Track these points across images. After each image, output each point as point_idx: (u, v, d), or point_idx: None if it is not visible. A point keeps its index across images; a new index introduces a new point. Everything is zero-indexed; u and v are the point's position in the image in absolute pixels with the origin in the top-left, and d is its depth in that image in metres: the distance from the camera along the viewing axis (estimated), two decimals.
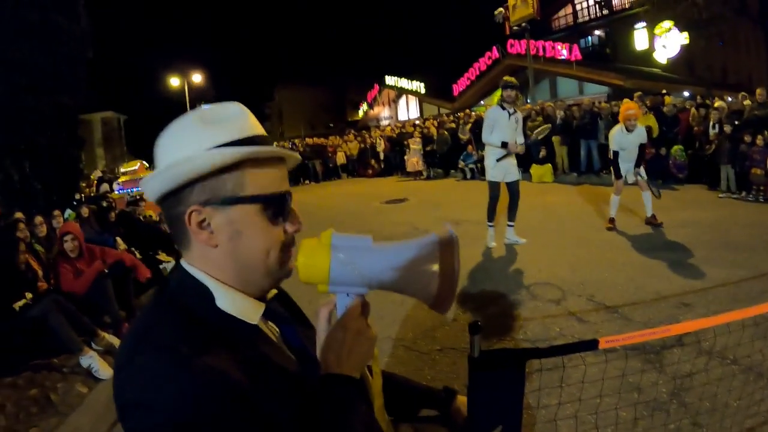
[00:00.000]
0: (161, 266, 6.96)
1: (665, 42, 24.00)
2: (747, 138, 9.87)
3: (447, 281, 0.94)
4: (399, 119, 41.29)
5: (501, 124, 6.87)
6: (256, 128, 0.98)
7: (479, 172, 15.46)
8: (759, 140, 9.62)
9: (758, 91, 10.47)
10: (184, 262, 0.98)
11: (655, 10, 23.67)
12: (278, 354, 0.99)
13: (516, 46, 28.38)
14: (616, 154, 7.71)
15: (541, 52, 27.10)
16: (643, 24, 25.50)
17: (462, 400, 1.37)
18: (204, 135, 0.92)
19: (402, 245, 0.99)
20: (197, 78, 32.00)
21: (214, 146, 0.91)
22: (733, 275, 5.27)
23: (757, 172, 9.47)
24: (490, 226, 7.27)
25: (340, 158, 23.56)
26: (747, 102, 11.34)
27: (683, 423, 2.94)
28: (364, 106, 46.72)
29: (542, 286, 5.56)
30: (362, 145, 23.60)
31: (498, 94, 7.36)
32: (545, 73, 28.65)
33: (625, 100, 12.21)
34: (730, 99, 13.61)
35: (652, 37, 24.74)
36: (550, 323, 4.53)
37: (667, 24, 23.49)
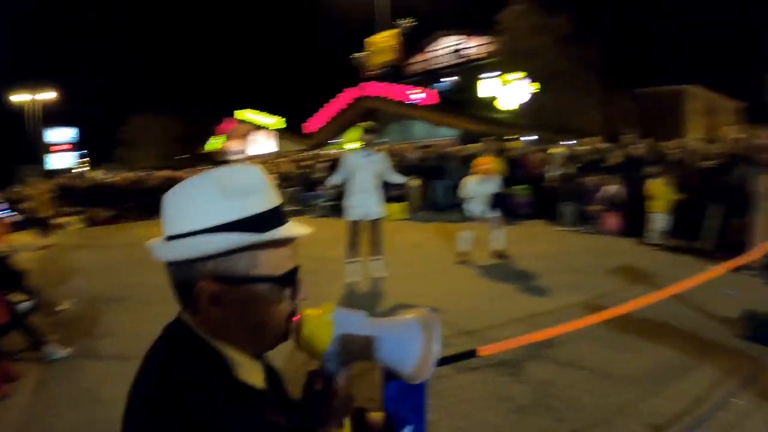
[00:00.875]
0: (18, 307, 5.69)
1: (514, 90, 25.85)
2: (585, 179, 10.92)
3: (426, 360, 1.01)
4: (251, 154, 40.49)
5: (357, 168, 7.00)
6: (275, 199, 1.00)
7: (334, 210, 15.22)
8: (592, 180, 10.74)
9: (591, 139, 11.69)
10: (187, 324, 0.98)
11: (507, 61, 25.54)
12: (276, 411, 1.01)
13: (372, 88, 29.04)
14: (468, 199, 8.08)
15: (396, 96, 27.93)
16: (493, 74, 27.27)
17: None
18: (226, 208, 0.93)
19: (392, 325, 1.06)
20: (49, 95, 29.84)
21: (235, 219, 0.92)
22: (577, 296, 5.95)
23: (593, 208, 10.61)
24: (350, 262, 7.28)
25: None
26: (585, 147, 12.50)
27: (548, 421, 3.34)
28: (216, 139, 45.24)
29: None
30: None
31: (353, 132, 7.32)
32: (400, 115, 29.52)
33: (480, 157, 12.74)
34: (570, 142, 14.81)
35: (502, 85, 26.56)
36: None
37: (517, 75, 25.35)
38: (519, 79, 25.65)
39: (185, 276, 0.94)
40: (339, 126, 31.75)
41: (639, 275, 6.85)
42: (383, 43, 30.15)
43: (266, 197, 0.97)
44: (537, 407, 3.49)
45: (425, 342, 1.02)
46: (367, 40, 31.15)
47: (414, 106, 28.00)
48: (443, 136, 26.81)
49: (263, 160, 27.60)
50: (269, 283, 0.96)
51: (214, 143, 45.28)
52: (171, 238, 0.94)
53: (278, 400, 1.10)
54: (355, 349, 1.02)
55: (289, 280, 0.99)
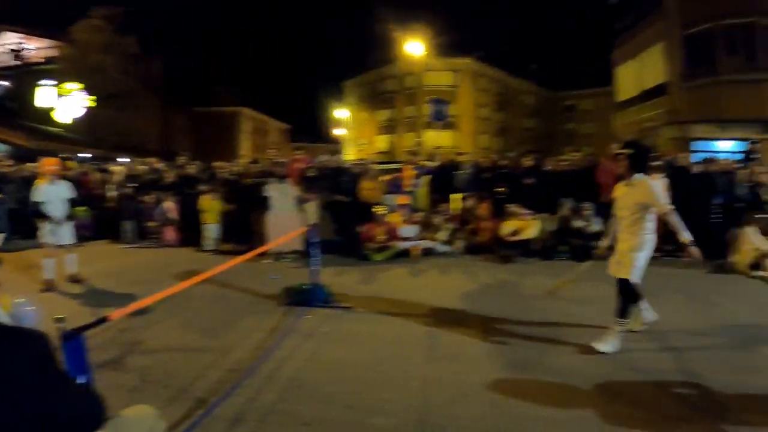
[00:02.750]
0: None
1: (70, 103, 24.31)
2: (144, 197, 11.62)
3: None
4: None
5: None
6: None
7: None
8: (151, 198, 11.52)
9: (149, 159, 12.44)
10: None
11: (69, 71, 23.84)
12: None
13: None
14: (43, 214, 7.31)
15: None
16: (52, 82, 24.99)
17: None
18: None
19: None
20: None
21: None
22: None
23: (152, 224, 11.41)
24: None
25: None
26: (143, 166, 13.07)
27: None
28: None
29: None
30: None
31: None
32: None
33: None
34: (126, 160, 15.18)
35: (59, 95, 24.63)
36: None
37: (74, 86, 23.94)
38: (77, 90, 24.35)
39: None
40: None
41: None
42: None
43: None
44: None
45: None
46: None
47: None
48: None
49: None
50: None
51: None
52: None
53: None
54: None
55: None
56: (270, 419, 3.32)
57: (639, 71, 22.91)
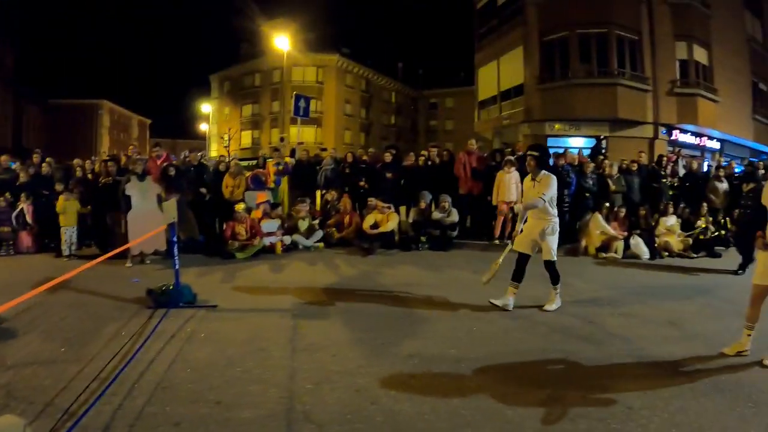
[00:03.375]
0: None
1: None
2: None
3: None
4: None
5: None
6: None
7: None
8: (1, 201, 10.33)
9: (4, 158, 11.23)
10: None
11: None
12: None
13: None
14: None
15: None
16: None
17: None
18: None
19: None
20: None
21: None
22: None
23: (5, 230, 10.24)
24: None
25: None
26: None
27: None
28: None
29: None
30: None
31: None
32: None
33: None
34: None
35: None
36: None
37: None
38: None
39: None
40: None
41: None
42: None
43: None
44: None
45: None
46: None
47: None
48: None
49: None
50: None
51: None
52: None
53: None
54: None
55: None
56: (140, 424, 3.29)
57: (499, 73, 24.48)
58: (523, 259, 5.93)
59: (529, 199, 5.85)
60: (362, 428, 3.23)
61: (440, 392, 3.75)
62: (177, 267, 6.35)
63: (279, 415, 3.41)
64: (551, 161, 6.34)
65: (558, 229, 5.89)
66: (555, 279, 5.95)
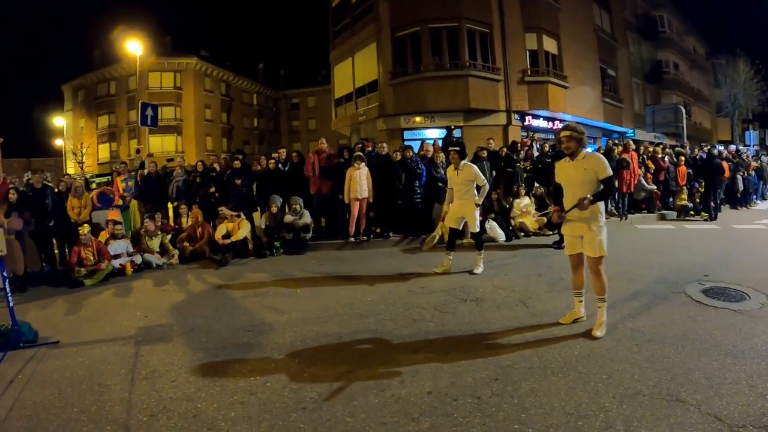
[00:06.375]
0: None
1: None
2: None
3: None
4: None
5: None
6: None
7: None
8: None
9: None
10: None
11: None
12: None
13: None
14: None
15: None
16: None
17: None
18: None
19: None
20: None
21: None
22: None
23: None
24: None
25: None
26: None
27: None
28: None
29: None
30: None
31: None
32: None
33: None
34: None
35: None
36: None
37: None
38: None
39: None
40: None
41: None
42: None
43: None
44: None
45: None
46: None
47: None
48: None
49: None
50: None
51: None
52: None
53: None
54: None
55: None
56: None
57: (354, 70, 24.61)
58: (453, 233, 7.67)
59: (455, 183, 7.53)
60: None
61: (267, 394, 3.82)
62: (11, 305, 5.68)
63: None
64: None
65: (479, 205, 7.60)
66: (480, 246, 7.64)
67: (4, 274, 5.91)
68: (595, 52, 27.29)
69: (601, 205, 4.66)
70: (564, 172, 4.82)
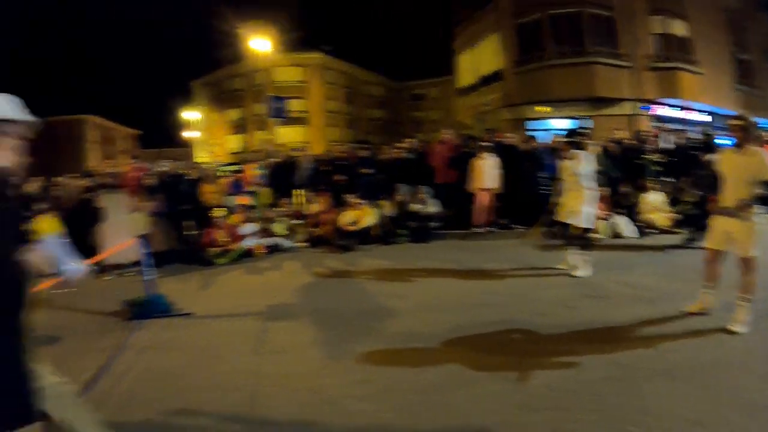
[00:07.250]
0: None
1: None
2: None
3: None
4: None
5: None
6: None
7: None
8: None
9: None
10: None
11: None
12: None
13: None
14: None
15: None
16: None
17: None
18: None
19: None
20: None
21: None
22: None
23: None
24: None
25: None
26: None
27: None
28: None
29: None
30: None
31: None
32: None
33: None
34: None
35: None
36: None
37: None
38: None
39: None
40: None
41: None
42: None
43: None
44: None
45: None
46: None
47: None
48: None
49: None
50: None
51: None
52: None
53: None
54: None
55: None
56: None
57: (477, 59, 24.50)
58: (565, 227, 7.02)
59: (570, 176, 6.83)
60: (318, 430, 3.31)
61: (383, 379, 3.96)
62: (147, 278, 6.37)
63: (239, 420, 3.50)
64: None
65: (596, 199, 6.92)
66: (584, 245, 6.87)
67: (146, 250, 6.50)
68: (726, 35, 24.59)
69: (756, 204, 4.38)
70: (728, 162, 4.57)
